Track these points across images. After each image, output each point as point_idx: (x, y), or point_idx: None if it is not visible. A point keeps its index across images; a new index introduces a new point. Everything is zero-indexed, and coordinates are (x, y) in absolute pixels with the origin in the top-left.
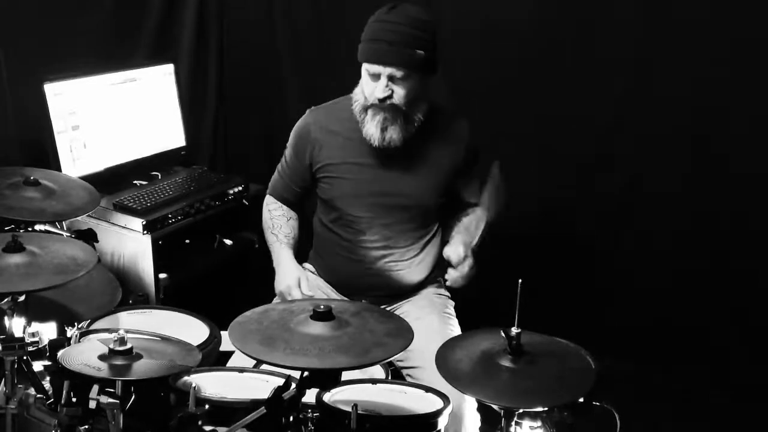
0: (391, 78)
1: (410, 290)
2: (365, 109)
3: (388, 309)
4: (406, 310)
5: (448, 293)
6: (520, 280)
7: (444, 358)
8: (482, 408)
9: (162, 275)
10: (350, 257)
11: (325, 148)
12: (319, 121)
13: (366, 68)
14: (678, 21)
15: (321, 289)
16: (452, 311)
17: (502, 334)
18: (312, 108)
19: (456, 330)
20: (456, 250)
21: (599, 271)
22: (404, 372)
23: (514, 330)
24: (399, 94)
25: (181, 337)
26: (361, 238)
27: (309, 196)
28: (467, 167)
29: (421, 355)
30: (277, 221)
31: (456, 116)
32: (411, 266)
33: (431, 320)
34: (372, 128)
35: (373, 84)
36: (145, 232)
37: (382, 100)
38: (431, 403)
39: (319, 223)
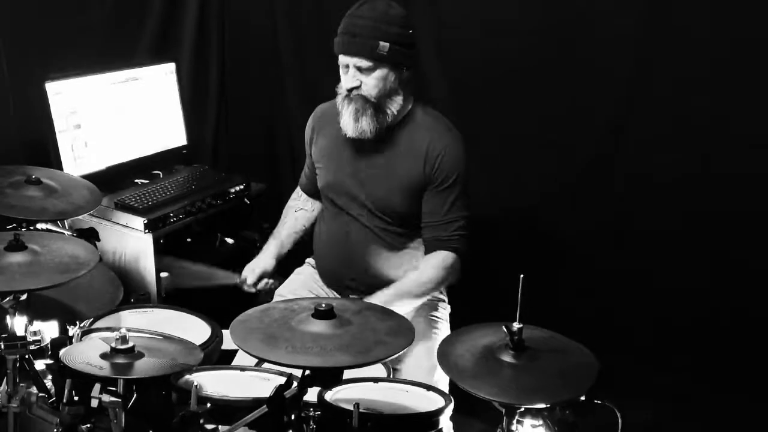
0: (358, 69)
1: None
2: (343, 100)
3: None
4: None
5: (444, 297)
6: (522, 275)
7: (446, 353)
8: (483, 407)
9: (163, 274)
10: (337, 252)
11: (319, 140)
12: (318, 116)
13: (339, 61)
14: (678, 21)
15: (308, 285)
16: (442, 315)
17: (504, 329)
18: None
19: (441, 335)
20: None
21: (599, 271)
22: None
23: (516, 325)
24: (367, 85)
25: (182, 336)
26: (345, 231)
27: None
28: (435, 184)
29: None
30: (288, 211)
31: (438, 131)
32: (394, 264)
33: (416, 323)
34: (347, 117)
35: (344, 75)
36: (146, 230)
37: (350, 90)
38: (433, 402)
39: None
